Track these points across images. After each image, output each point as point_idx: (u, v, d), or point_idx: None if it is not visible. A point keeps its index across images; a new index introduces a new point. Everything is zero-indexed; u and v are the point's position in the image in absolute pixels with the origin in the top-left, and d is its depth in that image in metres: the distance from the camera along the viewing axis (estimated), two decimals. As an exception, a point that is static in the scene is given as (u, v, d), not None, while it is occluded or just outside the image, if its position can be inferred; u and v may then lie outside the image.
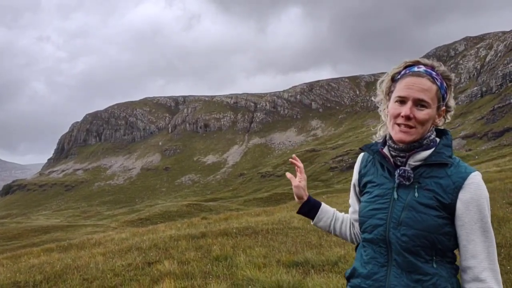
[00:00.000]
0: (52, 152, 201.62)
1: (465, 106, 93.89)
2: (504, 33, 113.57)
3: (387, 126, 1.71)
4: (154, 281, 5.96)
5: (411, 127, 1.59)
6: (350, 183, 1.99)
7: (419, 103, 1.58)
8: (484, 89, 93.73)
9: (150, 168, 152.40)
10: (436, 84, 1.61)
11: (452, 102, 1.70)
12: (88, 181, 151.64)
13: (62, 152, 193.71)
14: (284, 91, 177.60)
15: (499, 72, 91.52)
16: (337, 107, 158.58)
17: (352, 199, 1.91)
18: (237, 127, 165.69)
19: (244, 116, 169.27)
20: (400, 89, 1.62)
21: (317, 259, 6.16)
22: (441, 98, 1.63)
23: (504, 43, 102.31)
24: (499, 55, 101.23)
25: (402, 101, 1.61)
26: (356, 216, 1.82)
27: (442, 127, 1.73)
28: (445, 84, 1.65)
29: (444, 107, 1.67)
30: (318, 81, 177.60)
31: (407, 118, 1.58)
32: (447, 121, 1.72)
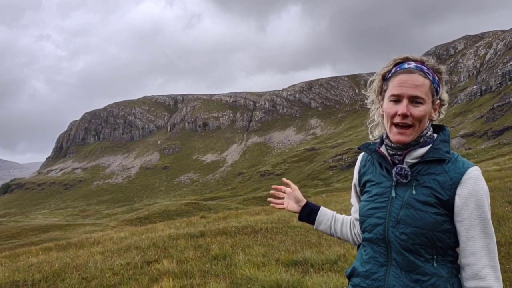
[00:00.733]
0: (51, 151, 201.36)
1: (464, 105, 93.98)
2: (503, 31, 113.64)
3: (384, 126, 1.70)
4: (153, 280, 5.94)
5: (409, 126, 1.58)
6: (350, 182, 1.98)
7: (414, 100, 1.57)
8: (483, 87, 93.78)
9: (149, 167, 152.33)
10: (429, 79, 1.60)
11: (445, 95, 1.69)
12: (87, 180, 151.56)
13: (61, 151, 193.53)
14: (283, 89, 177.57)
15: (498, 70, 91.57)
16: (337, 106, 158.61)
17: (354, 199, 1.90)
18: (236, 126, 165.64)
19: (243, 115, 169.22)
20: (393, 88, 1.60)
21: (317, 258, 6.14)
22: (435, 92, 1.62)
23: (504, 41, 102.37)
24: (498, 53, 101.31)
25: (397, 99, 1.59)
26: (358, 216, 1.81)
27: (440, 123, 1.73)
28: (436, 78, 1.64)
29: (438, 101, 1.66)
30: (318, 79, 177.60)
31: (404, 116, 1.56)
32: (441, 115, 1.71)
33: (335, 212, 2.01)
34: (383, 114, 1.68)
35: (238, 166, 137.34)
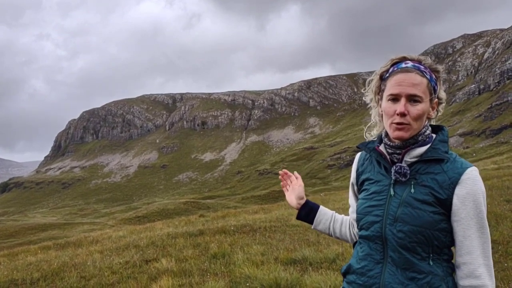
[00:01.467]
0: (49, 149, 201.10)
1: (463, 104, 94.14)
2: (502, 30, 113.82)
3: (382, 125, 1.72)
4: (151, 278, 5.95)
5: (406, 124, 1.59)
6: (348, 181, 1.98)
7: (412, 99, 1.59)
8: (482, 86, 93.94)
9: (147, 166, 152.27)
10: (426, 78, 1.61)
11: (443, 94, 1.70)
12: (85, 179, 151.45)
13: (59, 149, 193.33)
14: (281, 88, 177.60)
15: (496, 69, 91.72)
16: (335, 105, 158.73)
17: (351, 199, 1.90)
18: (234, 125, 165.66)
19: (241, 114, 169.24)
20: (391, 87, 1.62)
21: (315, 256, 6.15)
22: (432, 90, 1.63)
23: (502, 40, 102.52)
24: (496, 52, 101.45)
25: (395, 98, 1.61)
26: (355, 215, 1.81)
27: (439, 123, 1.75)
28: (434, 77, 1.65)
29: (436, 99, 1.67)
30: (316, 78, 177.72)
31: (402, 115, 1.58)
32: (439, 113, 1.72)
33: (334, 211, 2.01)
34: (382, 114, 1.69)
35: (237, 165, 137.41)
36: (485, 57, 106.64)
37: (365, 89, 1.79)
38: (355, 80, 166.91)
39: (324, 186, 57.19)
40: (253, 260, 6.35)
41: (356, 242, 1.87)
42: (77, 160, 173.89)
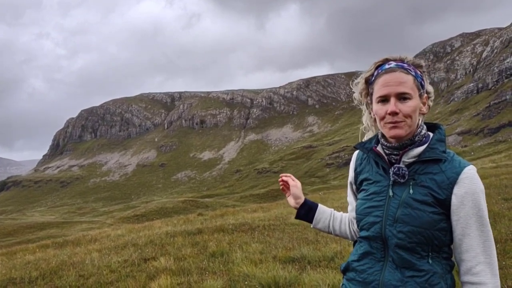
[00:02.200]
0: (48, 148, 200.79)
1: (461, 102, 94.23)
2: (500, 29, 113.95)
3: (376, 129, 1.74)
4: (150, 277, 5.94)
5: (399, 123, 1.59)
6: (347, 179, 1.98)
7: (402, 97, 1.59)
8: (480, 85, 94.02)
9: (146, 165, 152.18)
10: (411, 74, 1.62)
11: (430, 88, 1.71)
12: (84, 178, 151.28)
13: (57, 148, 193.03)
14: (280, 87, 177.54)
15: (495, 68, 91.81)
16: (334, 103, 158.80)
17: (350, 197, 1.91)
18: (233, 123, 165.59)
19: (240, 112, 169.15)
20: (378, 90, 1.63)
21: (314, 255, 6.16)
22: (420, 86, 1.64)
23: (500, 39, 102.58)
24: (495, 51, 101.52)
25: (384, 100, 1.61)
26: (355, 214, 1.81)
27: (436, 120, 1.74)
28: (419, 72, 1.66)
29: (425, 94, 1.68)
30: (315, 77, 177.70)
31: (394, 113, 1.58)
32: (430, 103, 1.72)
33: (332, 209, 2.01)
34: (374, 117, 1.70)
35: (235, 163, 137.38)
36: (483, 56, 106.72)
37: (352, 91, 1.81)
38: (354, 79, 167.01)
39: (323, 185, 57.15)
40: (252, 258, 6.35)
41: (356, 240, 1.88)
42: (75, 159, 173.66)
